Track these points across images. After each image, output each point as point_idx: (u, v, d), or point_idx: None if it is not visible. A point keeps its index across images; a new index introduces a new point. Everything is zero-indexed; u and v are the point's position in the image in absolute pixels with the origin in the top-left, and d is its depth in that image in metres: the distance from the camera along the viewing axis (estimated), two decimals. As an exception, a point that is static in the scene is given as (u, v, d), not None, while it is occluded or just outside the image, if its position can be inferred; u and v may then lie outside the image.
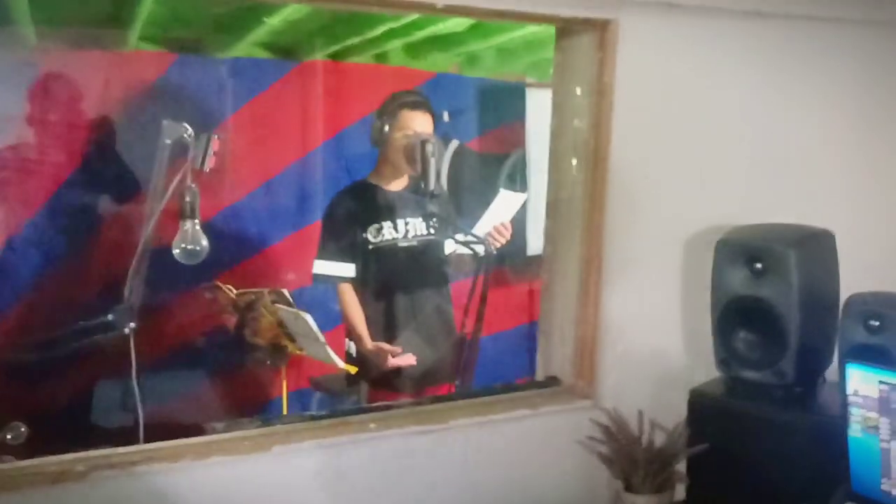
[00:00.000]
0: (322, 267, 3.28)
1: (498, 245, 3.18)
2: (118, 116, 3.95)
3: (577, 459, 2.30)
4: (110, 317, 2.05)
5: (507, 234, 3.26)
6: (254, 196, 4.28)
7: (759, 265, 2.04)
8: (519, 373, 4.92)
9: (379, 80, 4.46)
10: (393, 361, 3.18)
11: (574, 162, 2.36)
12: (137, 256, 2.07)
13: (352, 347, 3.31)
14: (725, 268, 2.09)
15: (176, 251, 2.06)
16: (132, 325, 2.06)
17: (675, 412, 2.14)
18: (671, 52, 2.32)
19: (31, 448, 1.99)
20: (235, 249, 4.19)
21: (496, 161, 4.83)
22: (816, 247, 2.09)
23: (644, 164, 2.33)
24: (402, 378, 3.24)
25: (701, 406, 2.08)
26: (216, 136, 2.04)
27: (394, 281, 3.30)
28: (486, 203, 3.28)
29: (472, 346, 2.92)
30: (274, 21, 3.32)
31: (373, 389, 3.30)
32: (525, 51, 4.53)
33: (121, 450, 1.93)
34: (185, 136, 2.05)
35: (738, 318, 2.10)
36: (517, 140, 4.67)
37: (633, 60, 2.26)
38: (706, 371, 2.24)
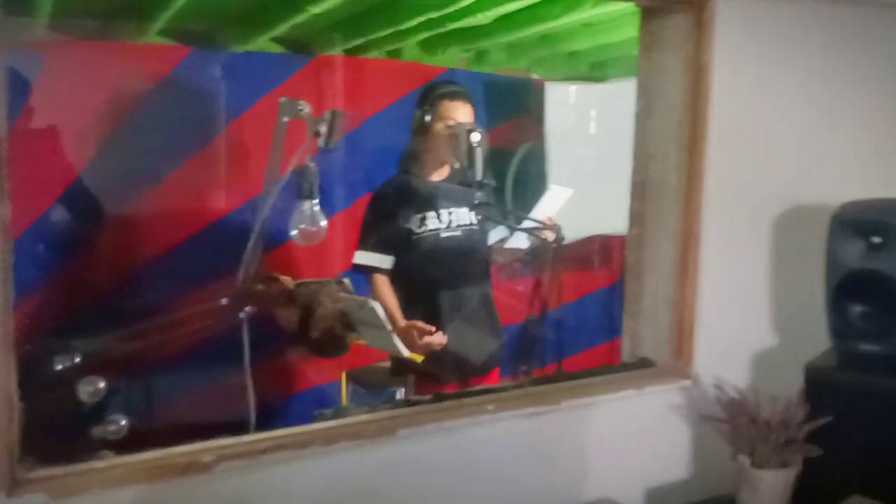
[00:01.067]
0: (363, 257, 3.23)
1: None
2: (128, 112, 3.83)
3: (688, 437, 2.32)
4: (224, 301, 1.96)
5: None
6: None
7: (877, 239, 2.07)
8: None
9: (393, 75, 4.42)
10: (425, 340, 3.06)
11: (666, 143, 2.37)
12: (252, 241, 1.99)
13: None
14: (840, 242, 2.11)
15: (293, 232, 1.99)
16: (247, 309, 1.98)
17: (775, 388, 2.15)
18: (764, 31, 2.34)
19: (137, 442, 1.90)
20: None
21: (504, 155, 4.82)
22: (931, 220, 2.12)
23: (738, 142, 2.34)
24: (450, 367, 3.21)
25: (819, 380, 2.09)
26: (344, 114, 1.97)
27: (439, 270, 3.27)
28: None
29: (539, 330, 2.91)
30: (317, 10, 3.24)
31: (419, 381, 3.26)
32: (537, 46, 4.52)
33: (246, 438, 1.86)
34: (303, 113, 1.98)
35: (854, 291, 2.11)
36: (532, 134, 4.67)
37: (728, 39, 2.28)
38: (804, 346, 2.26)
